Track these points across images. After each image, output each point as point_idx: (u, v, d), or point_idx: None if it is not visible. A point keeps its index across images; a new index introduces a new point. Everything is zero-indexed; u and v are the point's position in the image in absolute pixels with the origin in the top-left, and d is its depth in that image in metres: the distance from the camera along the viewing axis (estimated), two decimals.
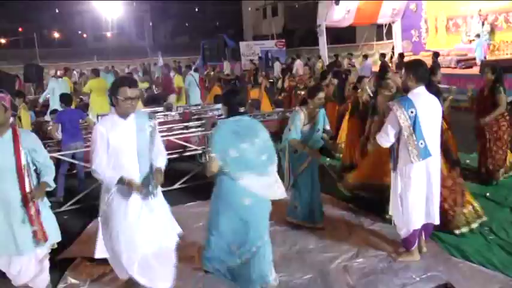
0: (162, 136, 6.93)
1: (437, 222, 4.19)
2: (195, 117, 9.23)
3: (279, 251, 4.44)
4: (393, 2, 18.76)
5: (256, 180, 3.53)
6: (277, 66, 19.84)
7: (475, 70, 13.51)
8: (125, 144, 3.40)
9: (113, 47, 49.39)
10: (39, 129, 8.19)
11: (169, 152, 7.30)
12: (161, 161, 3.59)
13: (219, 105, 10.02)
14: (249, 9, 43.46)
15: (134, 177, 3.40)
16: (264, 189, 3.57)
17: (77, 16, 55.08)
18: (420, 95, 3.93)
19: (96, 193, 5.01)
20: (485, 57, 15.15)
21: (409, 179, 3.96)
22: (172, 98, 12.10)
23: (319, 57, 18.77)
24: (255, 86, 12.05)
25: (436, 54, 13.49)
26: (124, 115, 3.43)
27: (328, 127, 5.07)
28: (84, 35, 59.83)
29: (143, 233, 3.46)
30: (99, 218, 3.61)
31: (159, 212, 3.59)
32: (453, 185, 4.69)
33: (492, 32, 16.16)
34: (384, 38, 22.22)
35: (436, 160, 4.02)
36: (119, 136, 3.38)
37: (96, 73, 12.07)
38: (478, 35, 15.75)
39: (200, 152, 7.38)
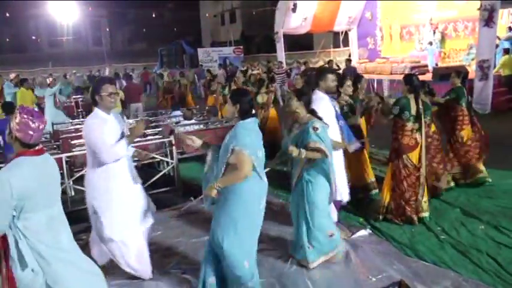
0: None
1: (340, 198, 4.79)
2: (153, 124, 9.16)
3: None
4: (349, 11, 19.13)
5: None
6: (221, 73, 20.03)
7: (428, 76, 13.97)
8: (117, 134, 3.76)
9: (69, 53, 48.32)
10: None
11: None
12: None
13: (176, 113, 10.00)
14: (207, 15, 43.45)
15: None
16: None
17: (30, 20, 53.54)
18: (322, 99, 4.66)
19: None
20: (436, 64, 15.72)
21: None
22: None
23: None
24: (211, 93, 12.59)
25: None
26: (108, 110, 3.77)
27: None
28: (39, 40, 58.19)
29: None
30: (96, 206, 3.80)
31: None
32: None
33: (443, 40, 16.74)
34: (341, 45, 22.64)
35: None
36: (110, 127, 3.72)
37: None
38: (430, 43, 16.28)
39: (158, 160, 7.32)
